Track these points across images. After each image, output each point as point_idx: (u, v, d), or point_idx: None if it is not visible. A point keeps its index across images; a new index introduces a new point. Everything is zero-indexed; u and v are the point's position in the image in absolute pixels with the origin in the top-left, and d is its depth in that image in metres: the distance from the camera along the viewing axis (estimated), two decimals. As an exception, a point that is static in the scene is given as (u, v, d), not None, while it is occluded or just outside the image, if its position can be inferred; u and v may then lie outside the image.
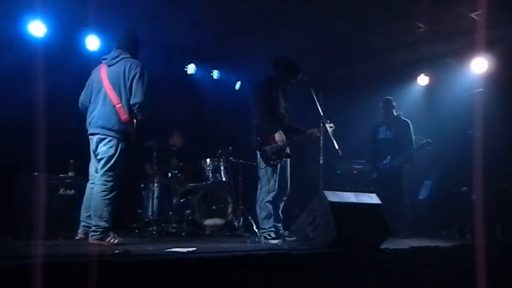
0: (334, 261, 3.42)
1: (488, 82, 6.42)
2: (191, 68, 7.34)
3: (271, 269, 3.04)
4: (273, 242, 4.46)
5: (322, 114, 4.61)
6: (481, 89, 6.30)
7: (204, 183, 6.15)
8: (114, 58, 4.18)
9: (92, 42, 6.13)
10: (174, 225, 5.79)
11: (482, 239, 4.51)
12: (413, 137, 5.92)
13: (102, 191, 3.97)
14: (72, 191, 5.17)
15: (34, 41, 5.61)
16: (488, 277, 3.53)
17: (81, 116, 4.26)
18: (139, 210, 6.09)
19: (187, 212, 5.82)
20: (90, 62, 4.54)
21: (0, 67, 5.16)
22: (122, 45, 4.27)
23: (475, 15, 5.82)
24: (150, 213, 6.00)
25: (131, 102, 4.04)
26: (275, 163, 4.64)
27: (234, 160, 6.38)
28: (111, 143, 4.02)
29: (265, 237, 4.58)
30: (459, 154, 6.18)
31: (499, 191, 5.98)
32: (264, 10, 5.93)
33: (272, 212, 4.65)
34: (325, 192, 3.89)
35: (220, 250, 3.61)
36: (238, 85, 7.76)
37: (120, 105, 4.02)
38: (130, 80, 4.05)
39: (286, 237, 4.72)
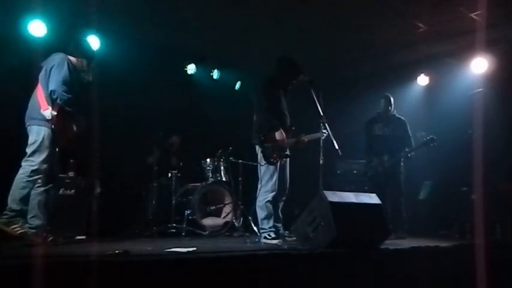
0: (334, 261, 3.42)
1: (488, 82, 6.42)
2: (191, 68, 7.34)
3: (271, 269, 3.04)
4: (273, 242, 4.46)
5: (322, 114, 4.61)
6: (481, 89, 6.30)
7: (204, 183, 6.15)
8: (46, 59, 4.25)
9: (92, 43, 6.11)
10: (174, 225, 5.79)
11: (482, 239, 4.51)
12: (411, 135, 5.92)
13: (21, 174, 3.97)
14: (72, 191, 5.18)
15: (34, 41, 5.61)
16: (488, 277, 3.53)
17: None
18: (139, 210, 6.09)
19: (187, 212, 5.82)
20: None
21: (1, 67, 5.16)
22: (67, 49, 4.35)
23: (475, 15, 5.82)
24: (150, 213, 6.00)
25: (48, 90, 4.07)
26: (275, 161, 4.65)
27: (234, 160, 6.38)
28: (34, 130, 4.05)
29: (265, 237, 4.58)
30: (459, 154, 6.18)
31: (499, 191, 5.97)
32: (264, 10, 5.94)
33: (272, 212, 4.65)
34: (325, 192, 3.89)
35: (220, 250, 3.61)
36: (238, 85, 7.76)
37: (43, 96, 4.07)
38: (49, 70, 4.12)
39: (286, 237, 4.72)
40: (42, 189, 4.03)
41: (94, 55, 4.50)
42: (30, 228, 3.96)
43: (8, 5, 5.40)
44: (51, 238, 4.07)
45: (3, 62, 5.21)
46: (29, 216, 3.99)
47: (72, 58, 4.27)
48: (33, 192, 4.00)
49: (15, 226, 3.86)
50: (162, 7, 5.80)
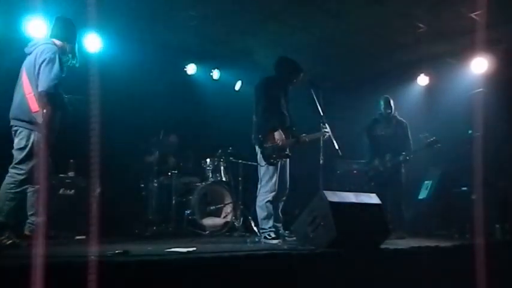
0: (334, 261, 3.42)
1: (488, 82, 6.41)
2: (191, 68, 7.35)
3: (271, 269, 3.04)
4: (273, 242, 4.46)
5: (322, 114, 4.61)
6: (481, 89, 6.30)
7: (204, 183, 6.15)
8: (32, 45, 3.97)
9: (92, 43, 6.10)
10: (174, 225, 5.79)
11: (482, 239, 4.51)
12: (411, 138, 5.94)
13: (9, 183, 3.75)
14: (72, 191, 5.18)
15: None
16: (488, 277, 3.53)
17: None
18: (139, 210, 6.09)
19: (187, 212, 5.83)
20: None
21: (1, 67, 5.16)
22: (49, 33, 4.12)
23: (475, 15, 5.81)
24: (150, 213, 6.00)
25: (38, 90, 3.75)
26: (275, 162, 4.65)
27: (234, 160, 6.38)
28: (22, 134, 3.81)
29: (265, 237, 4.58)
30: (459, 154, 6.18)
31: (499, 191, 5.97)
32: (264, 11, 5.94)
33: (272, 212, 4.65)
34: (325, 192, 3.89)
35: (220, 250, 3.61)
36: (238, 85, 7.77)
37: (31, 94, 3.78)
38: (38, 66, 3.79)
39: (286, 237, 4.72)
40: (36, 187, 3.90)
41: (76, 38, 4.20)
42: (31, 225, 3.93)
43: (8, 5, 5.40)
44: (52, 234, 4.07)
45: (3, 62, 5.20)
46: (29, 214, 3.94)
47: (57, 42, 4.04)
48: (28, 191, 3.88)
49: (2, 238, 3.70)
50: (163, 7, 5.80)
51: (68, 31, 4.13)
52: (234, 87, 7.76)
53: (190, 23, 6.21)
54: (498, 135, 6.06)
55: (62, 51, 4.04)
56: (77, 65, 4.15)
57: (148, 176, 6.26)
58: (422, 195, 7.00)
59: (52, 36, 4.09)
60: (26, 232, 3.91)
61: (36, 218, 3.92)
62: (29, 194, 3.90)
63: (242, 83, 7.74)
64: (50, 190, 4.81)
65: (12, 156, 3.93)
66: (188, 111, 7.06)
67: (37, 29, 5.61)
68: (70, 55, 4.12)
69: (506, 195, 5.97)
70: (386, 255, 3.82)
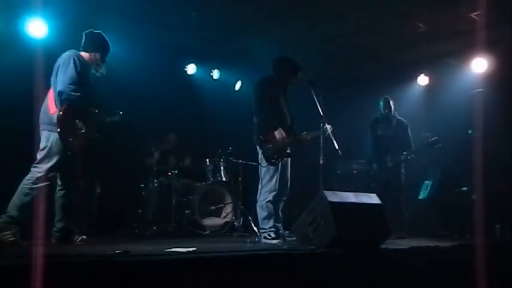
0: (334, 261, 3.42)
1: (488, 82, 6.42)
2: (191, 68, 7.36)
3: (271, 269, 3.04)
4: (273, 242, 4.46)
5: (322, 114, 4.61)
6: (481, 89, 6.30)
7: (204, 183, 6.15)
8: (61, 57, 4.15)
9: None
10: (174, 225, 5.79)
11: (482, 239, 4.51)
12: (411, 138, 5.94)
13: (27, 179, 3.86)
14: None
15: (34, 42, 5.59)
16: (488, 277, 3.53)
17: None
18: (139, 210, 6.09)
19: (187, 211, 5.83)
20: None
21: (1, 67, 5.16)
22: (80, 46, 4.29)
23: (475, 15, 5.82)
24: (150, 213, 6.00)
25: (57, 91, 3.95)
26: (276, 162, 4.64)
27: (234, 160, 6.38)
28: (44, 135, 3.97)
29: (265, 237, 4.58)
30: (459, 154, 6.18)
31: (499, 191, 5.97)
32: (264, 10, 5.94)
33: (272, 212, 4.65)
34: (325, 192, 3.88)
35: (220, 250, 3.60)
36: (238, 85, 7.77)
37: (52, 98, 3.98)
38: (56, 70, 4.00)
39: (286, 237, 4.72)
40: (63, 192, 4.05)
41: (106, 47, 4.34)
42: (55, 232, 4.05)
43: (7, 5, 5.40)
44: (79, 239, 4.11)
45: (3, 62, 5.20)
46: (55, 220, 4.06)
47: (84, 54, 4.19)
48: (56, 195, 4.04)
49: (7, 233, 3.73)
50: (163, 7, 5.80)
51: (92, 42, 4.26)
52: (234, 87, 7.76)
53: (190, 23, 6.21)
54: (498, 135, 6.06)
55: (90, 62, 4.21)
56: (104, 73, 4.32)
57: (148, 176, 6.25)
58: (422, 195, 7.00)
59: (82, 49, 4.23)
60: (53, 241, 4.01)
61: (61, 224, 4.05)
62: (56, 198, 4.04)
63: (242, 83, 7.74)
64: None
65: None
66: (188, 111, 7.06)
67: (37, 29, 5.62)
68: (95, 66, 4.26)
69: (506, 195, 5.97)
70: (386, 255, 3.82)
